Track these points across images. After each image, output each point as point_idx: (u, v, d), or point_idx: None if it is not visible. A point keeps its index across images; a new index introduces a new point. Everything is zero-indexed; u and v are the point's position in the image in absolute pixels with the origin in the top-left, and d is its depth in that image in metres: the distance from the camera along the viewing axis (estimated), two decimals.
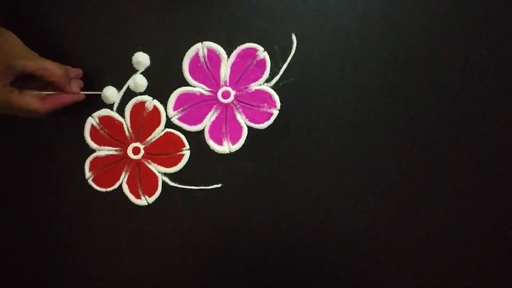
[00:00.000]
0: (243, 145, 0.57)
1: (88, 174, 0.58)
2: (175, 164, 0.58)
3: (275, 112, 0.57)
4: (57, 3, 0.56)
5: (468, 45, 0.56)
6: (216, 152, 0.58)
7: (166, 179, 0.58)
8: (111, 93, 0.56)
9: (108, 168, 0.58)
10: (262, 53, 0.57)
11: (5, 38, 0.51)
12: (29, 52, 0.52)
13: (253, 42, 0.57)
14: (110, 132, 0.58)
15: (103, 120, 0.57)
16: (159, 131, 0.58)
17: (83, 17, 0.56)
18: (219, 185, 0.58)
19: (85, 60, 0.57)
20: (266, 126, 0.57)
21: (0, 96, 0.50)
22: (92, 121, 0.57)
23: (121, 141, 0.58)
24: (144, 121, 0.57)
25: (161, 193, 0.58)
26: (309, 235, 0.58)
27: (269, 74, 0.57)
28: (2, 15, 0.54)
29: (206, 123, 0.58)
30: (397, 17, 0.56)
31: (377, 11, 0.56)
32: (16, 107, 0.51)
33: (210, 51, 0.57)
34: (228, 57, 0.57)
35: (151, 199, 0.58)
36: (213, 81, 0.57)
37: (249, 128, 0.57)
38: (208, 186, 0.58)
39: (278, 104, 0.57)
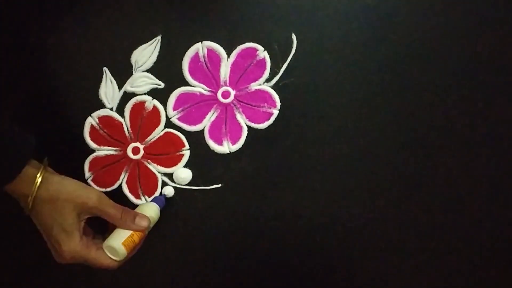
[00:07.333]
0: (243, 145, 0.57)
1: (87, 174, 0.58)
2: (175, 164, 0.58)
3: (275, 112, 0.57)
4: (56, 2, 0.56)
5: (470, 45, 0.56)
6: (216, 152, 0.58)
7: (166, 179, 0.58)
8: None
9: (107, 168, 0.58)
10: (262, 53, 0.57)
11: (67, 182, 0.49)
12: (94, 191, 0.50)
13: (253, 42, 0.57)
14: (109, 132, 0.57)
15: (103, 120, 0.57)
16: (158, 131, 0.58)
17: (83, 16, 0.56)
18: (219, 185, 0.58)
19: (84, 59, 0.56)
20: (266, 126, 0.57)
21: (79, 252, 0.47)
22: (91, 121, 0.57)
23: (120, 141, 0.58)
24: (144, 121, 0.57)
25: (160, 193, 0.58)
26: (309, 235, 0.58)
27: (269, 74, 0.57)
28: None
29: (206, 123, 0.57)
30: (397, 17, 0.56)
31: (377, 11, 0.56)
32: (92, 264, 0.49)
33: (210, 51, 0.57)
34: (228, 57, 0.57)
35: (150, 199, 0.58)
36: (213, 81, 0.57)
37: (249, 128, 0.57)
38: (208, 186, 0.58)
39: (278, 104, 0.57)
